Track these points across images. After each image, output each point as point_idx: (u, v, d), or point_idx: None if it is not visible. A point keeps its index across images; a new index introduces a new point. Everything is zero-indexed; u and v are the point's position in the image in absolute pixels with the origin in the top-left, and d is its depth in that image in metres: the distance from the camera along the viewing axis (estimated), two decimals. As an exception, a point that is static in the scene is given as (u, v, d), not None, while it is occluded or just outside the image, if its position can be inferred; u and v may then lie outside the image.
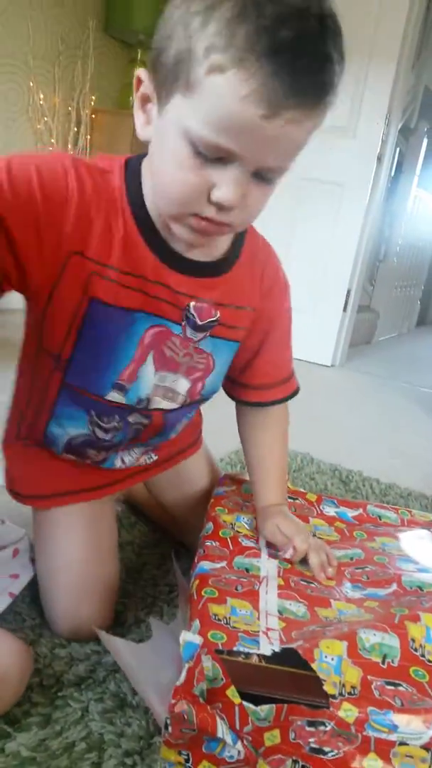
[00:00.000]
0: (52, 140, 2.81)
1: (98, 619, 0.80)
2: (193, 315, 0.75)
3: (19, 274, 0.65)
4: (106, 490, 0.88)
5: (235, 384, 0.90)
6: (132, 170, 0.70)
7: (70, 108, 2.88)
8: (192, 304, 0.74)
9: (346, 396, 2.61)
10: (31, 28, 2.69)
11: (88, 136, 2.88)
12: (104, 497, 0.87)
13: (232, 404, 0.94)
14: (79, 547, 0.82)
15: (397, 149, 3.34)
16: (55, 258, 0.66)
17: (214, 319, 0.77)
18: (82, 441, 0.81)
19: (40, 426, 0.81)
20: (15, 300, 0.72)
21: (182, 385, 0.80)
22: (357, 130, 2.78)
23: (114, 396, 0.76)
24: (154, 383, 0.77)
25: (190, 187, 0.60)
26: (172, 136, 0.60)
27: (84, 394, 0.76)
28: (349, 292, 2.94)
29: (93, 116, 2.90)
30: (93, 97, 2.89)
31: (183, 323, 0.75)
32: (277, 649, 0.61)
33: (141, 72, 0.65)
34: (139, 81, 0.65)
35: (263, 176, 0.62)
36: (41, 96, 2.76)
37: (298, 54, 0.53)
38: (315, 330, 2.94)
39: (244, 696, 0.56)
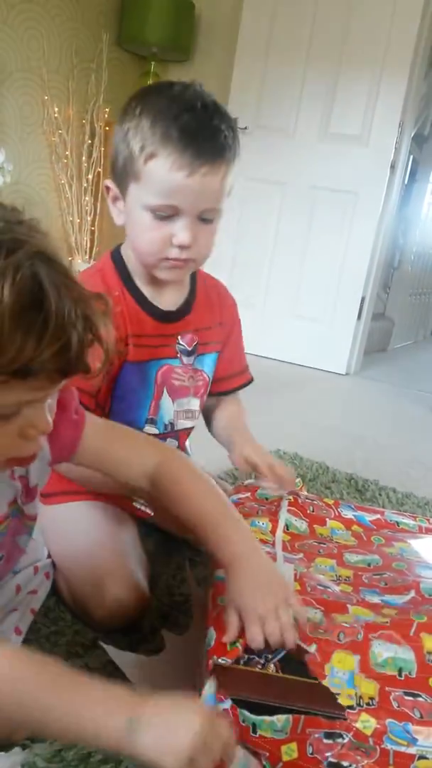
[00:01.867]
0: (67, 152, 2.84)
1: (131, 599, 0.83)
2: (183, 345, 1.00)
3: None
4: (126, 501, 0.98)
5: None
6: (116, 259, 0.97)
7: (84, 120, 2.91)
8: (179, 338, 0.99)
9: (361, 404, 2.59)
10: (45, 42, 2.72)
11: (102, 148, 2.90)
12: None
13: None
14: (99, 527, 0.90)
15: (411, 157, 3.33)
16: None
17: (197, 342, 1.02)
18: None
19: None
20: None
21: (195, 403, 1.04)
22: (370, 138, 2.78)
23: (149, 429, 0.98)
24: (174, 410, 1.00)
25: (158, 240, 0.87)
26: (136, 212, 0.87)
27: None
28: (363, 299, 2.93)
29: (107, 128, 2.93)
30: (107, 110, 2.92)
31: (178, 355, 0.99)
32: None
33: (107, 182, 0.92)
34: (108, 188, 0.92)
35: (205, 219, 0.87)
36: (56, 109, 2.79)
37: (196, 132, 0.81)
38: (329, 338, 2.93)
39: (260, 707, 0.55)
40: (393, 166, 2.79)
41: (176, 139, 0.80)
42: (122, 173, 0.87)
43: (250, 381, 1.16)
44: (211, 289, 1.08)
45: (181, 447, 1.05)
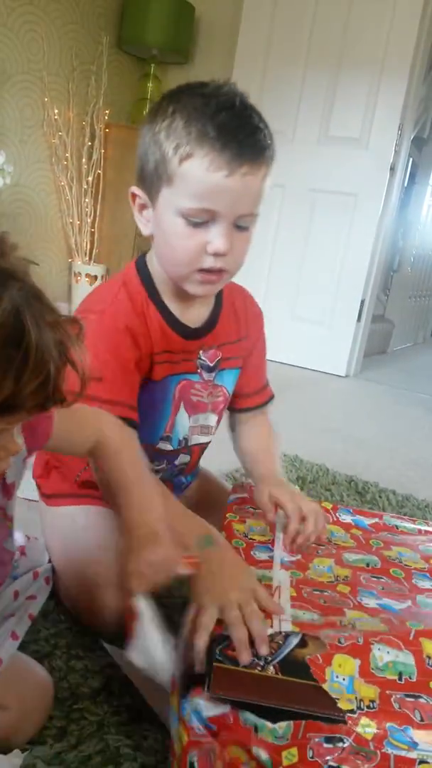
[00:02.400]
0: (67, 154, 2.84)
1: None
2: (204, 360, 0.94)
3: None
4: None
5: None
6: (142, 272, 0.90)
7: (84, 122, 2.91)
8: (201, 353, 0.93)
9: (361, 406, 2.59)
10: (45, 45, 2.73)
11: (102, 150, 2.91)
12: None
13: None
14: (100, 533, 0.86)
15: (410, 159, 3.34)
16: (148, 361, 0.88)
17: (219, 358, 0.96)
18: None
19: None
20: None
21: (212, 419, 0.99)
22: (370, 140, 2.79)
23: (163, 445, 0.93)
24: (190, 425, 0.95)
25: (192, 248, 0.80)
26: (168, 218, 0.80)
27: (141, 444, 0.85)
28: (363, 302, 2.93)
29: (107, 130, 2.93)
30: (107, 112, 2.92)
31: (198, 370, 0.94)
32: (289, 628, 0.62)
33: (133, 189, 0.85)
34: (134, 195, 0.85)
35: (240, 225, 0.81)
36: (56, 111, 2.80)
37: (235, 130, 0.75)
38: (329, 340, 2.93)
39: (259, 709, 0.55)
40: (392, 169, 2.80)
41: (214, 137, 0.74)
42: (152, 177, 0.80)
43: (272, 398, 1.09)
44: (236, 295, 1.01)
45: (193, 462, 1.01)
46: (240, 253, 0.84)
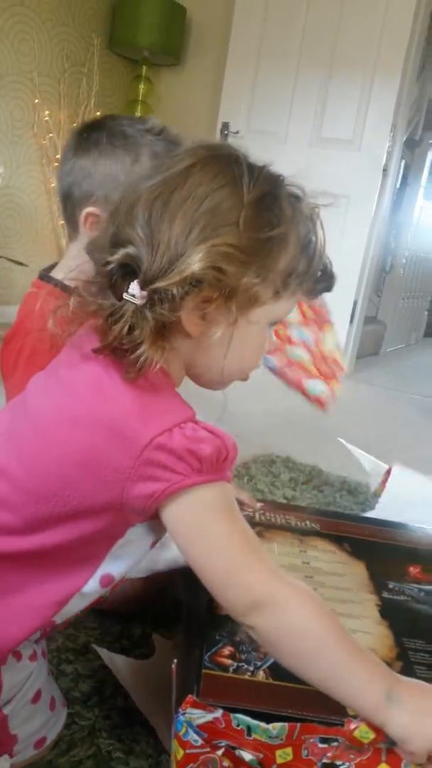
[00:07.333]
0: (57, 156, 2.83)
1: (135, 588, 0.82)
2: None
3: None
4: None
5: None
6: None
7: (75, 124, 2.90)
8: None
9: (354, 408, 2.59)
10: (36, 46, 2.72)
11: (94, 152, 2.90)
12: None
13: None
14: None
15: (403, 161, 3.35)
16: None
17: None
18: None
19: None
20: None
21: None
22: (362, 142, 2.79)
23: None
24: None
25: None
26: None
27: None
28: (355, 303, 2.93)
29: (98, 132, 2.92)
30: (98, 113, 2.91)
31: None
32: None
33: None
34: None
35: None
36: (47, 112, 2.79)
37: None
38: (322, 342, 2.92)
39: (252, 714, 0.54)
40: (385, 171, 2.80)
41: None
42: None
43: None
44: None
45: None
46: None
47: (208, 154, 0.56)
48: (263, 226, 0.54)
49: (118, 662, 0.70)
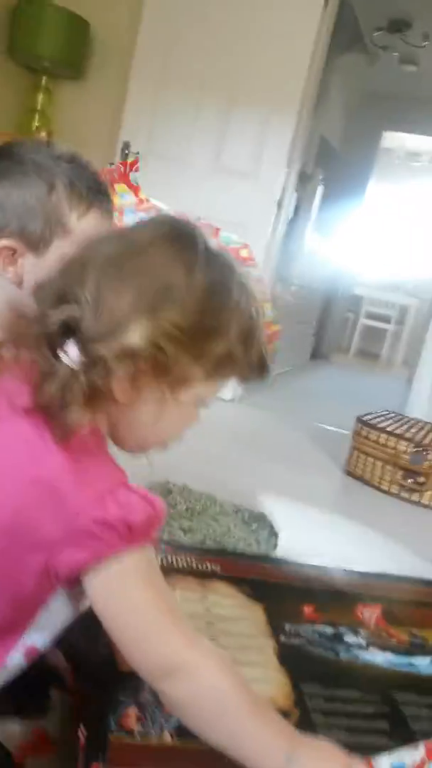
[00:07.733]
0: None
1: None
2: None
3: None
4: None
5: None
6: None
7: (-32, 129, 2.78)
8: None
9: (245, 432, 2.65)
10: None
11: (-12, 160, 2.78)
12: None
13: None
14: None
15: (295, 194, 3.48)
16: None
17: None
18: None
19: None
20: None
21: None
22: (259, 174, 2.88)
23: None
24: None
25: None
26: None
27: None
28: (249, 329, 3.00)
29: (-6, 139, 2.81)
30: (-6, 124, 2.81)
31: None
32: None
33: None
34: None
35: None
36: None
37: None
38: (215, 365, 2.96)
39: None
40: (279, 203, 2.91)
41: None
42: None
43: None
44: None
45: None
46: None
47: (171, 232, 0.57)
48: (208, 312, 0.55)
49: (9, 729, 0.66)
